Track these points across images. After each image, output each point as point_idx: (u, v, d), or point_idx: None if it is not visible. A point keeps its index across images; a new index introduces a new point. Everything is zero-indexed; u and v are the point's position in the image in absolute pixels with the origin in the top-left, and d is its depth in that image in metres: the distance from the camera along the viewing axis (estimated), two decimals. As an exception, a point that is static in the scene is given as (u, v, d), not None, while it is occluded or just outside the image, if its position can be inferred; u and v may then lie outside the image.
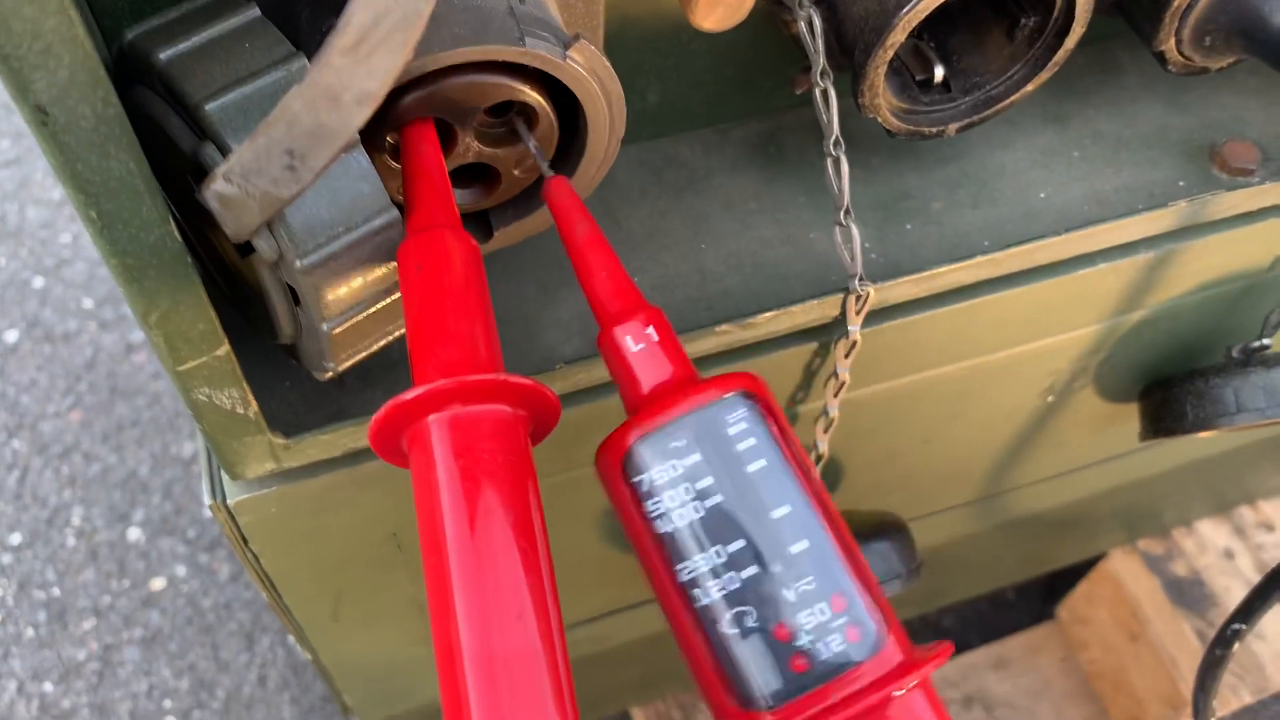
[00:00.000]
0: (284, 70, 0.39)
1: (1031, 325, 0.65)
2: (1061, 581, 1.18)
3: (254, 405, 0.47)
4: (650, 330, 0.42)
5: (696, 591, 0.37)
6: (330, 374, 0.46)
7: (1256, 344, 0.71)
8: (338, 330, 0.43)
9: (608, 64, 0.45)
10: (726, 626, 0.37)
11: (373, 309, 0.44)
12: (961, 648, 1.17)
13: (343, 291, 0.42)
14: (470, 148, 0.46)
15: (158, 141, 0.40)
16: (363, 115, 0.34)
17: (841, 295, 0.56)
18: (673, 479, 0.38)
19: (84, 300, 1.45)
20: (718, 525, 0.37)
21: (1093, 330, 0.68)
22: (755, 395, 0.40)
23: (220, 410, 0.46)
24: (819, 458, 0.63)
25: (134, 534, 1.29)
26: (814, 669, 0.36)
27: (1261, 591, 0.73)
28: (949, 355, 0.64)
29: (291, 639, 1.23)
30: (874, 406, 0.66)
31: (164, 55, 0.39)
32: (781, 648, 0.36)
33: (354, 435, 0.52)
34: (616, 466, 0.40)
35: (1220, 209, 0.62)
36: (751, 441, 0.39)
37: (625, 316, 0.42)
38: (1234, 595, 1.10)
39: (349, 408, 0.52)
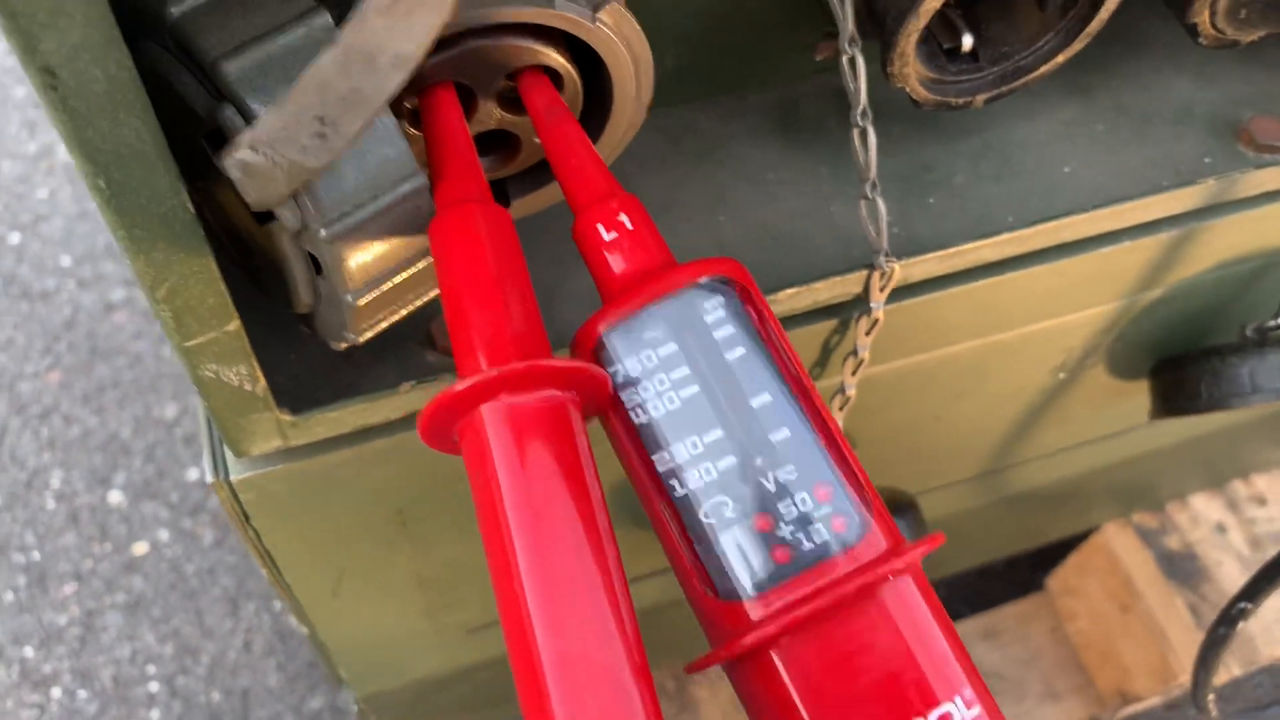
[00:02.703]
0: (306, 26, 0.37)
1: (1050, 303, 0.64)
2: (1050, 552, 1.18)
3: (262, 381, 0.45)
4: (624, 218, 0.40)
5: (674, 482, 0.36)
6: (349, 344, 0.44)
7: (1272, 323, 0.70)
8: (362, 301, 0.41)
9: (638, 27, 0.43)
10: (705, 516, 0.35)
11: (397, 278, 0.42)
12: (951, 618, 1.17)
13: (368, 261, 0.40)
14: (492, 114, 0.44)
15: (165, 100, 0.38)
16: (399, 79, 0.32)
17: (864, 271, 0.54)
18: (647, 369, 0.37)
19: (62, 258, 1.41)
20: (694, 416, 0.36)
21: (1109, 308, 0.67)
22: (733, 281, 0.39)
23: (228, 387, 0.44)
24: (833, 435, 0.62)
25: (115, 497, 1.27)
26: (797, 559, 0.34)
27: (1269, 571, 0.73)
28: (966, 333, 0.63)
29: (279, 604, 1.21)
30: (887, 384, 0.65)
31: (177, 9, 0.37)
32: (762, 538, 0.34)
33: (364, 412, 0.50)
34: (588, 356, 0.38)
35: (1246, 187, 0.61)
36: (729, 330, 0.37)
37: (598, 204, 0.40)
38: (1226, 570, 1.10)
39: (358, 383, 0.50)
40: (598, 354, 0.38)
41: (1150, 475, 1.03)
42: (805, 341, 0.58)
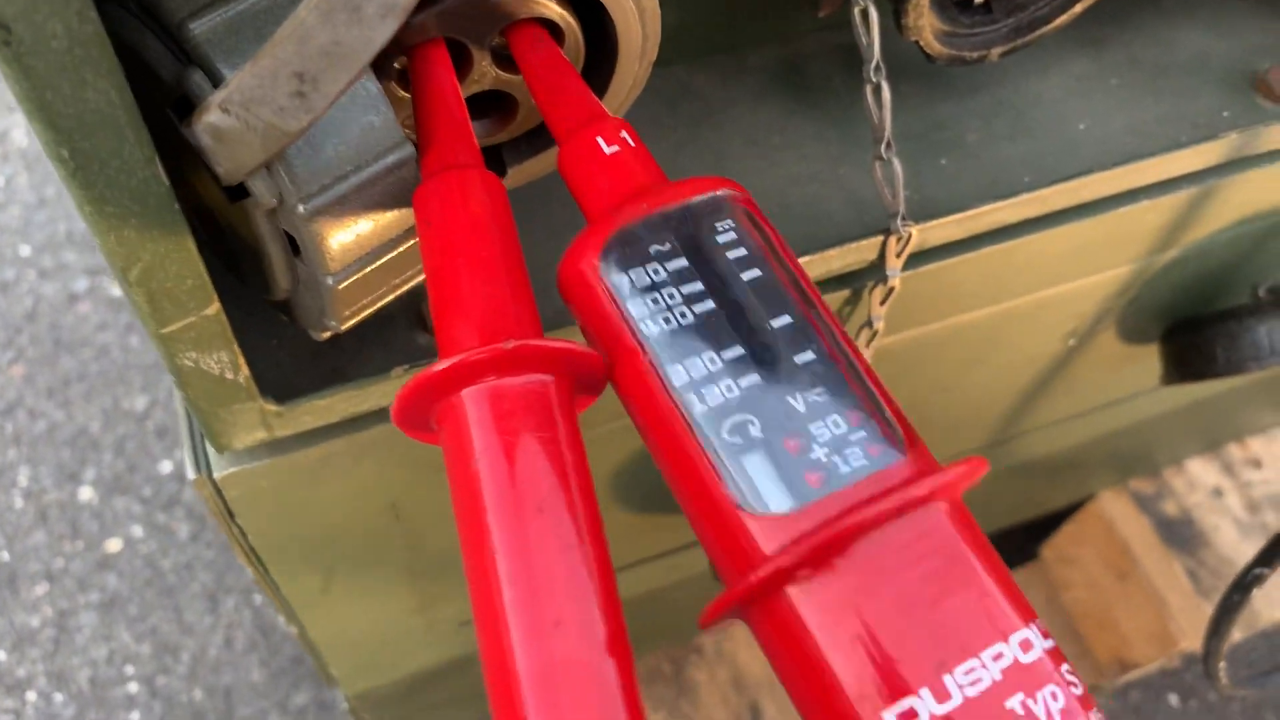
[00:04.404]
0: (283, -20, 0.33)
1: (1065, 266, 0.61)
2: (1044, 520, 1.16)
3: (244, 369, 0.42)
4: (625, 135, 0.37)
5: (691, 397, 0.32)
6: (331, 332, 0.41)
7: (1286, 282, 0.68)
8: (343, 284, 0.38)
9: (644, -23, 0.40)
10: (728, 434, 0.31)
11: (381, 260, 0.39)
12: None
13: (350, 240, 0.37)
14: (487, 73, 0.41)
15: (132, 69, 0.35)
16: (388, 30, 0.29)
17: (879, 237, 0.51)
18: (655, 283, 0.33)
19: (21, 247, 1.36)
20: (710, 332, 0.32)
21: (1124, 270, 0.64)
22: (739, 201, 0.35)
23: (208, 376, 0.41)
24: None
25: (86, 494, 1.22)
26: (831, 482, 0.30)
27: (1284, 537, 0.71)
28: (979, 300, 0.60)
29: (259, 598, 1.18)
30: (897, 355, 0.62)
31: (138, -36, 0.33)
32: (793, 460, 0.30)
33: (353, 399, 0.47)
34: (591, 269, 0.34)
35: (1267, 141, 0.58)
36: (742, 251, 0.34)
37: (597, 120, 0.37)
38: (1223, 534, 1.09)
39: (346, 369, 0.47)
40: (600, 266, 0.34)
41: (1148, 441, 1.02)
42: (816, 313, 0.55)
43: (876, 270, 0.52)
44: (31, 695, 1.12)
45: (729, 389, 0.32)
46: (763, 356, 0.32)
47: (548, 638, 0.27)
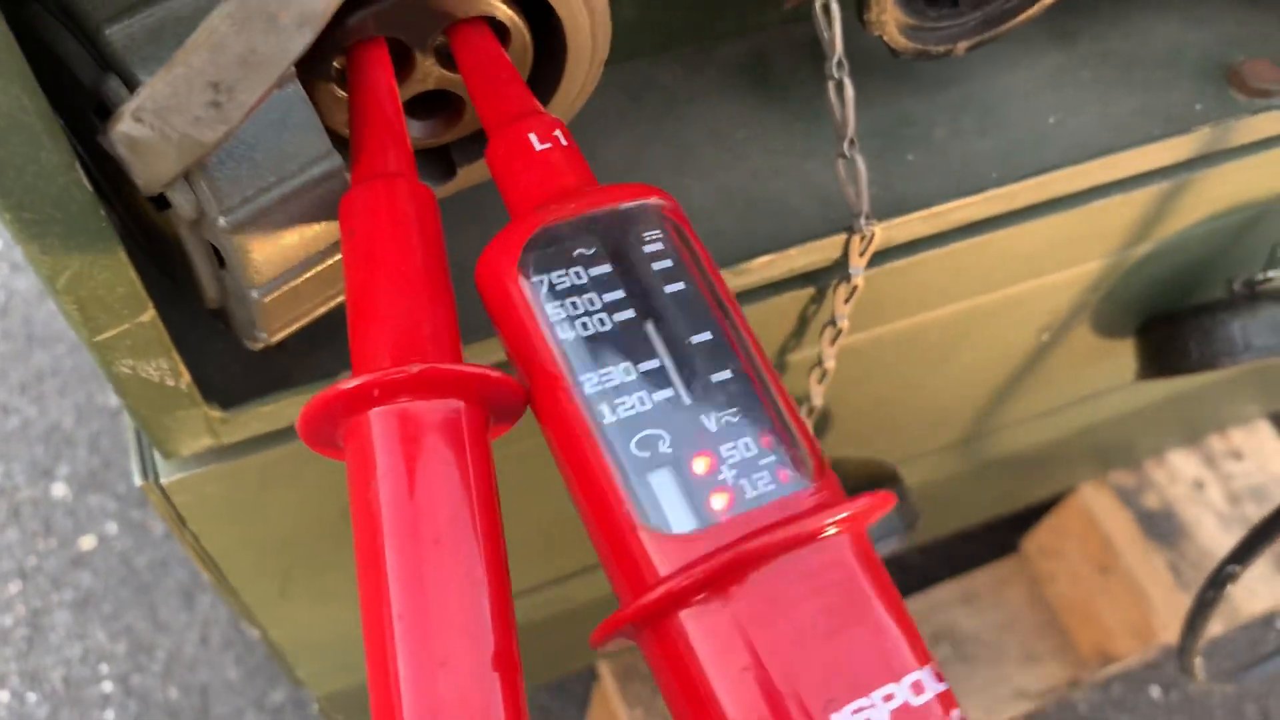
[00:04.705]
0: (205, -18, 0.32)
1: (1036, 262, 0.60)
2: (1025, 513, 1.16)
3: (186, 376, 0.41)
4: (559, 133, 0.36)
5: (602, 408, 0.31)
6: (264, 344, 0.40)
7: (1261, 276, 0.67)
8: (269, 297, 0.37)
9: (592, -28, 0.39)
10: (636, 448, 0.30)
11: (311, 271, 0.37)
12: (927, 582, 1.15)
13: (275, 253, 0.35)
14: (430, 73, 0.40)
15: (57, 72, 0.33)
16: (304, 40, 0.28)
17: (844, 235, 0.50)
18: (577, 286, 0.32)
19: (-8, 240, 1.35)
20: (628, 342, 0.31)
21: (1096, 265, 0.63)
22: (669, 213, 0.34)
23: (147, 383, 0.40)
24: (811, 410, 0.58)
25: (59, 490, 1.21)
26: (735, 507, 0.29)
27: (1258, 533, 0.70)
28: (948, 296, 0.60)
29: (234, 596, 1.17)
30: (865, 353, 0.61)
31: (56, -37, 0.32)
32: (700, 480, 0.30)
33: (300, 404, 0.45)
34: (510, 266, 0.32)
35: (1240, 134, 0.57)
36: (669, 263, 0.33)
37: (531, 115, 0.36)
38: (1205, 527, 1.08)
39: (293, 374, 0.46)
40: (523, 262, 0.32)
41: (1128, 434, 1.01)
42: (780, 311, 0.54)
43: (840, 268, 0.51)
44: (4, 695, 1.11)
45: (641, 401, 0.31)
46: (679, 372, 0.31)
47: (434, 676, 0.26)
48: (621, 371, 0.31)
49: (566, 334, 0.31)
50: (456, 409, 0.30)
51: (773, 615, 0.27)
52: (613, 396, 0.31)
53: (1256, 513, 1.10)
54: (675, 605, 0.28)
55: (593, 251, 0.32)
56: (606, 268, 0.32)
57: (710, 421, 0.31)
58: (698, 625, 0.28)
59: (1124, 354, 0.75)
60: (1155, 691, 1.19)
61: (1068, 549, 1.14)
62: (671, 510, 0.29)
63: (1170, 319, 0.68)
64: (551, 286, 0.32)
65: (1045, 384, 0.78)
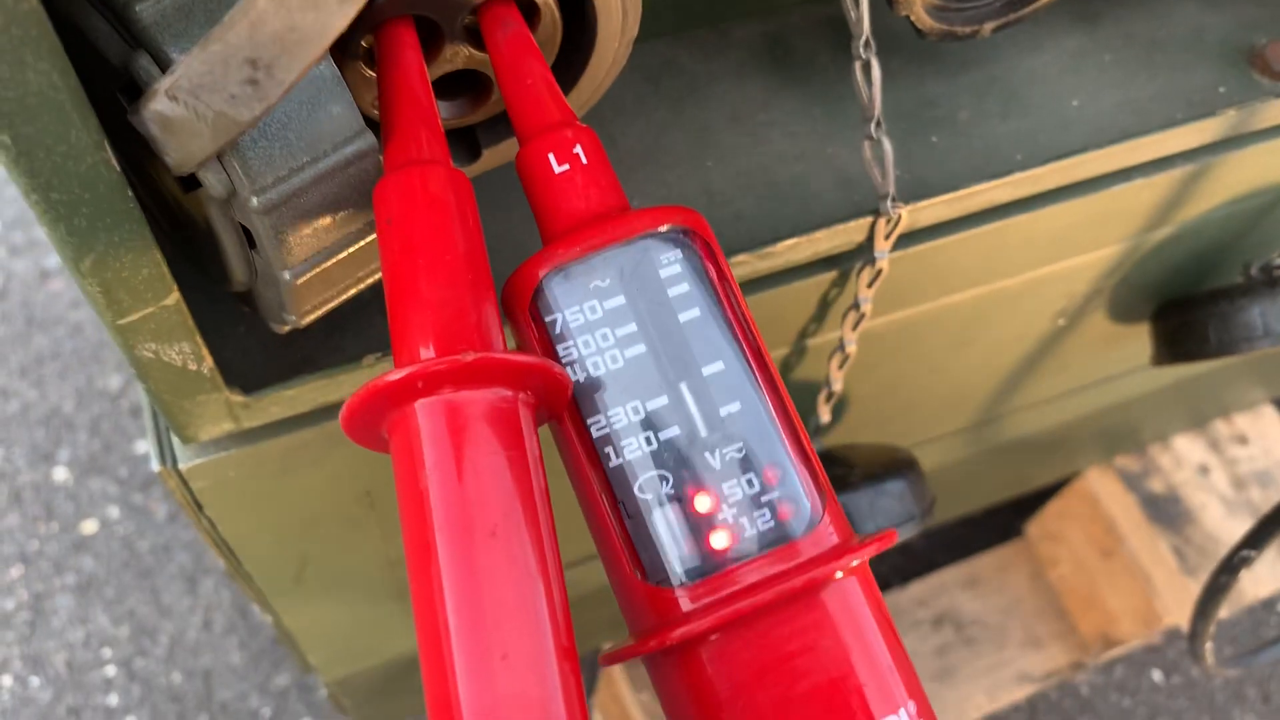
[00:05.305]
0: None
1: (1056, 246, 0.60)
2: (1029, 497, 1.16)
3: (209, 360, 0.40)
4: (579, 150, 0.35)
5: (609, 450, 0.31)
6: (291, 327, 0.39)
7: (1278, 261, 0.67)
8: (301, 280, 0.36)
9: (623, -51, 0.38)
10: (640, 491, 0.31)
11: (343, 253, 0.37)
12: (930, 566, 1.15)
13: (307, 234, 0.35)
14: (459, 52, 0.39)
15: (81, 52, 0.33)
16: (347, 16, 0.27)
17: (868, 218, 0.50)
18: (590, 322, 0.32)
19: (-10, 223, 1.34)
20: (638, 378, 0.32)
21: (1115, 249, 0.63)
22: (693, 232, 0.34)
23: (170, 367, 0.39)
24: (831, 395, 0.58)
25: (60, 474, 1.21)
26: (737, 547, 0.31)
27: (1272, 518, 0.70)
28: (968, 280, 0.59)
29: (237, 580, 1.16)
30: (883, 336, 0.61)
31: (84, -61, 0.31)
32: (701, 521, 0.31)
33: (322, 389, 0.45)
34: (525, 302, 0.33)
35: (1264, 117, 0.57)
36: (685, 288, 0.33)
37: (551, 131, 0.35)
38: (1210, 512, 1.08)
39: (316, 357, 0.45)
40: (536, 299, 0.33)
41: (1135, 418, 1.01)
42: (803, 296, 0.54)
43: (864, 251, 0.51)
44: (7, 679, 1.10)
45: (648, 442, 0.31)
46: (687, 407, 0.32)
47: (494, 671, 0.26)
48: (629, 412, 0.32)
49: (576, 375, 0.32)
50: (511, 399, 0.30)
51: (771, 659, 0.30)
52: (619, 439, 0.32)
53: (1261, 497, 1.10)
54: (673, 648, 0.30)
55: (607, 283, 0.32)
56: (620, 300, 0.32)
57: (715, 459, 0.31)
58: (700, 663, 0.30)
59: (1137, 339, 0.75)
60: (1157, 675, 1.19)
61: (1071, 533, 1.14)
62: (672, 555, 0.31)
63: (1186, 304, 0.68)
64: (564, 325, 0.32)
65: (1058, 369, 0.77)
